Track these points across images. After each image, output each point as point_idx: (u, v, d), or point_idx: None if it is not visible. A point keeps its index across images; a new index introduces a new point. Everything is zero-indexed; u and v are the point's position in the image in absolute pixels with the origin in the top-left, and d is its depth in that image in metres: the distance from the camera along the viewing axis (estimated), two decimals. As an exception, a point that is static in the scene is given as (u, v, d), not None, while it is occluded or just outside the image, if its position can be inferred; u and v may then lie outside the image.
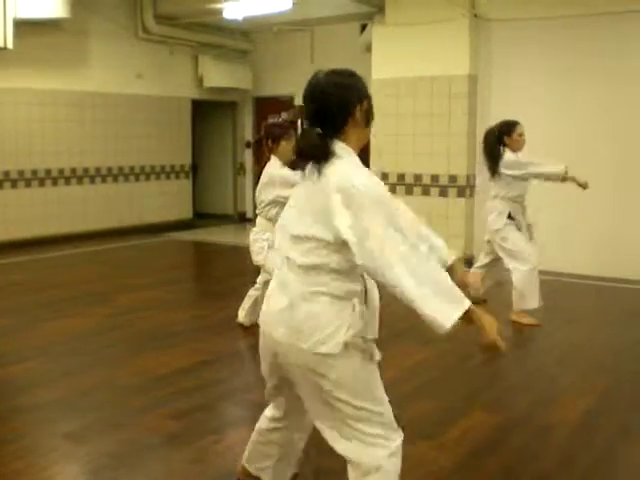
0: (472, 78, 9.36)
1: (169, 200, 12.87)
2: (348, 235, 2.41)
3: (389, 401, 2.68)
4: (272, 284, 2.71)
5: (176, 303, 7.38)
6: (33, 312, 6.84)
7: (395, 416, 2.67)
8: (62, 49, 10.79)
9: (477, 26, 9.34)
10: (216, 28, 12.65)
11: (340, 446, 2.63)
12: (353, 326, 2.53)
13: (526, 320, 6.51)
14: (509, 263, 6.58)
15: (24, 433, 4.08)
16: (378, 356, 2.65)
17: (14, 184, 10.53)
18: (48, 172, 10.95)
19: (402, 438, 2.67)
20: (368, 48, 10.25)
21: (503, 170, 6.47)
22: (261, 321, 2.73)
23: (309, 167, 2.57)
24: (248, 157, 14.20)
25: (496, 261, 6.92)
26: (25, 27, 9.64)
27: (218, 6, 10.61)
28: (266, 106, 13.58)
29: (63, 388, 4.80)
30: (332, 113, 2.56)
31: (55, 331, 6.16)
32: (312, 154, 2.56)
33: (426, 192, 9.63)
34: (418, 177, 9.71)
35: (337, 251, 2.50)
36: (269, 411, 3.03)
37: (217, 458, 3.82)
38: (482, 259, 7.13)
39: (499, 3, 9.20)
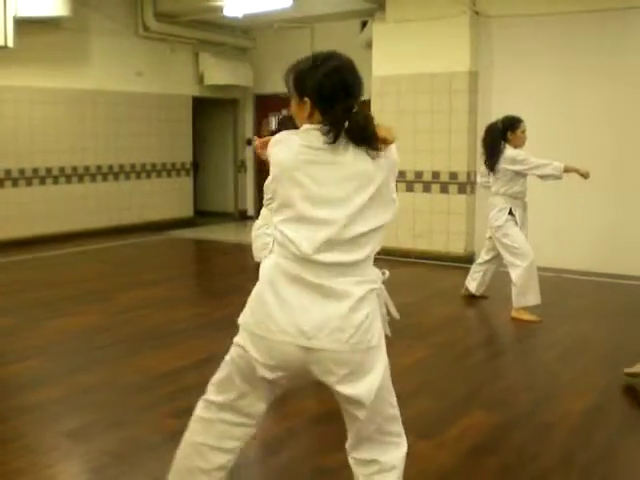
0: (473, 75, 9.35)
1: (170, 198, 12.88)
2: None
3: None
4: (280, 292, 2.47)
5: (177, 301, 7.39)
6: (34, 311, 6.85)
7: None
8: (62, 47, 10.80)
9: (478, 23, 9.33)
10: (216, 25, 12.64)
11: (363, 453, 2.60)
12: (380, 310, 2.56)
13: (526, 317, 6.51)
14: (508, 259, 6.59)
15: (26, 432, 4.09)
16: (388, 332, 2.65)
17: (15, 182, 10.54)
18: (49, 170, 10.95)
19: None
20: (368, 45, 10.25)
21: (505, 165, 6.48)
22: (278, 332, 2.45)
23: (352, 151, 2.41)
24: (249, 155, 14.21)
25: (497, 257, 6.93)
26: (26, 25, 9.64)
27: (218, 3, 10.62)
28: (267, 103, 13.58)
29: (64, 387, 4.81)
30: (360, 92, 2.51)
31: (56, 330, 6.17)
32: (371, 135, 2.43)
33: (427, 189, 9.63)
34: (419, 174, 9.70)
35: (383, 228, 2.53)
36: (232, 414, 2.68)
37: (218, 457, 3.82)
38: (483, 255, 7.14)
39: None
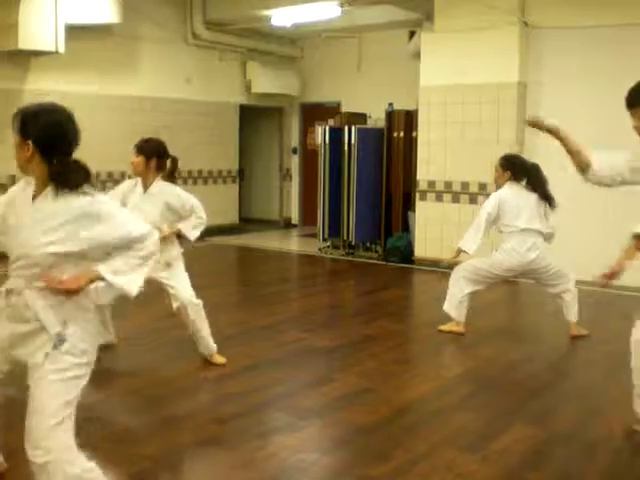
0: (521, 85, 9.27)
1: (216, 205, 12.90)
2: None
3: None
4: None
5: (220, 307, 7.39)
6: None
7: None
8: (113, 54, 10.95)
9: (527, 33, 9.25)
10: (265, 35, 12.73)
11: None
12: None
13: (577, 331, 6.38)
14: (563, 283, 6.38)
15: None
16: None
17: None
18: (97, 175, 11.08)
19: None
20: (416, 55, 10.21)
21: None
22: None
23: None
24: (294, 163, 14.26)
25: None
26: (76, 31, 9.79)
27: (267, 13, 10.69)
28: (313, 112, 13.62)
29: (108, 389, 4.84)
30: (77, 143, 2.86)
31: (101, 333, 6.20)
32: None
33: (473, 200, 9.56)
34: (465, 185, 9.64)
35: None
36: None
37: (261, 464, 3.81)
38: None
39: (549, 11, 9.10)
